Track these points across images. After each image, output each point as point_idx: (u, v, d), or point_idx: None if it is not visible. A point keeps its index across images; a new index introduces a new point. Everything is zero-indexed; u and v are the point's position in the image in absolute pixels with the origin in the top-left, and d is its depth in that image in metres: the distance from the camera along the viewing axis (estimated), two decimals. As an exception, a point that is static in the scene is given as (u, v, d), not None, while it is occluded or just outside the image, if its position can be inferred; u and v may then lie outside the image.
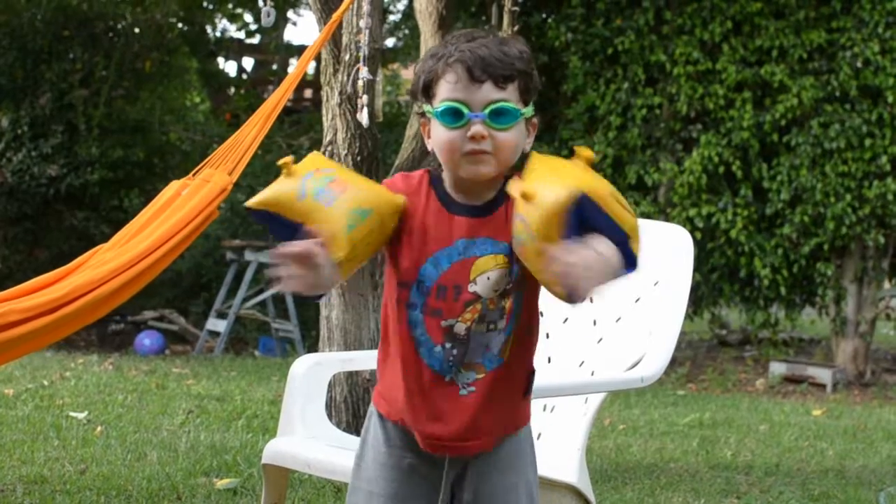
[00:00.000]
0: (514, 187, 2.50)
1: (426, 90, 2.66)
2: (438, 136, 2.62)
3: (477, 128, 2.56)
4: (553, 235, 2.42)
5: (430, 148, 2.68)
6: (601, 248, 2.39)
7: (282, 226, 2.59)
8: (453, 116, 2.58)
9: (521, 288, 2.64)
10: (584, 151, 2.52)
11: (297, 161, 2.64)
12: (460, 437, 2.64)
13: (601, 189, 2.46)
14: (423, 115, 2.69)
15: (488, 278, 2.59)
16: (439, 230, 2.62)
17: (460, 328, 2.60)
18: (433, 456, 2.69)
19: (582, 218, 2.43)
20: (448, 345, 2.61)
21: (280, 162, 2.61)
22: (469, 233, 2.61)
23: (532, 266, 2.50)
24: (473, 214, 2.63)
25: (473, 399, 2.63)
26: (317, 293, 2.54)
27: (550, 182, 2.47)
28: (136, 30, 14.92)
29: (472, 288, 2.59)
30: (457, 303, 2.60)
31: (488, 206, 2.64)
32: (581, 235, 2.42)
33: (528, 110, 2.64)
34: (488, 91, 2.58)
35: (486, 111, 2.57)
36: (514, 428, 2.73)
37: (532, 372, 2.77)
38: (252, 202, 2.62)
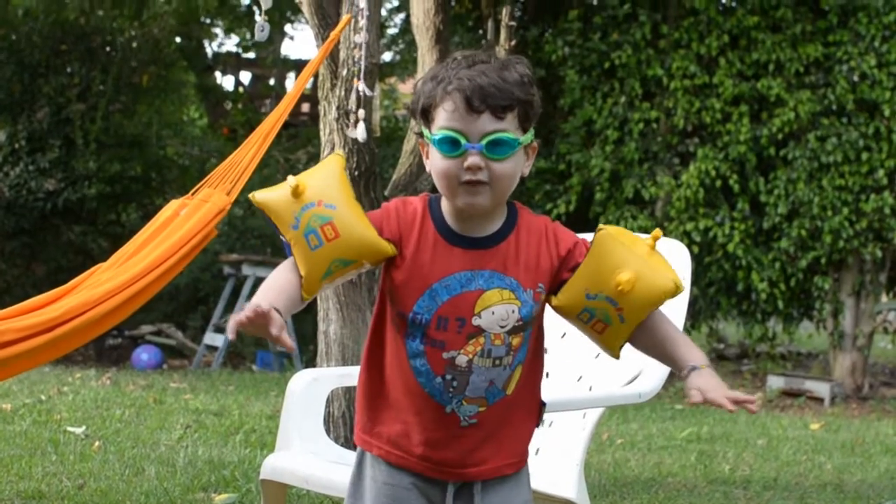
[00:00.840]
0: (620, 276, 2.60)
1: (425, 113, 2.63)
2: (436, 164, 2.60)
3: (474, 159, 2.54)
4: (640, 320, 2.67)
5: (428, 169, 2.66)
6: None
7: (276, 228, 2.63)
8: (450, 146, 2.56)
9: (531, 326, 2.64)
10: (656, 234, 2.67)
11: (292, 170, 2.65)
12: (459, 464, 2.64)
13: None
14: (421, 135, 2.67)
15: (493, 313, 2.58)
16: (437, 262, 2.60)
17: (462, 360, 2.58)
18: (430, 487, 2.68)
19: None
20: (448, 376, 2.59)
21: (291, 183, 2.59)
22: (472, 265, 2.60)
23: (607, 339, 2.69)
24: (476, 246, 2.61)
25: (474, 431, 2.63)
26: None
27: (651, 272, 2.63)
28: (134, 44, 14.93)
29: (475, 321, 2.57)
30: (460, 335, 2.57)
31: (493, 237, 2.63)
32: None
33: (527, 137, 2.62)
34: (486, 122, 2.55)
35: (484, 142, 2.54)
36: (519, 462, 2.72)
37: (542, 403, 2.77)
38: (256, 199, 2.63)
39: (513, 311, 2.59)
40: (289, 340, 2.42)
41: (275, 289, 2.55)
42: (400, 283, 2.61)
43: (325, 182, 2.63)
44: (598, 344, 2.73)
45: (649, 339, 2.71)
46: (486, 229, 2.63)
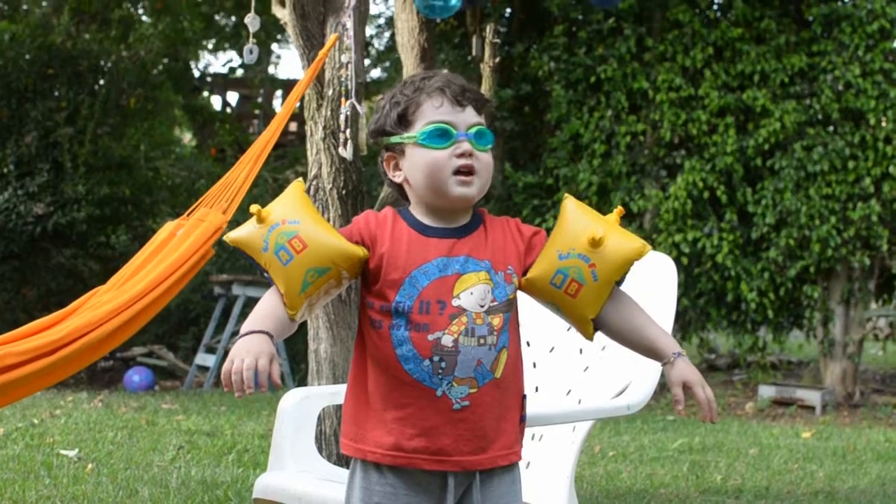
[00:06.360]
0: (593, 230, 2.76)
1: (401, 119, 2.78)
2: (422, 160, 2.74)
3: (466, 145, 2.72)
4: (612, 281, 2.78)
5: (398, 179, 2.81)
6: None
7: (255, 262, 2.77)
8: (442, 136, 2.73)
9: (508, 309, 2.74)
10: (619, 210, 2.86)
11: (281, 189, 2.75)
12: (458, 451, 2.68)
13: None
14: (387, 148, 2.81)
15: (471, 293, 2.69)
16: (414, 252, 2.72)
17: (447, 340, 2.66)
18: (430, 486, 2.71)
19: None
20: (436, 358, 2.66)
21: (252, 209, 2.73)
22: (447, 252, 2.72)
23: (581, 303, 2.77)
24: (449, 235, 2.75)
25: (468, 415, 2.68)
26: None
27: (619, 233, 2.80)
28: (121, 66, 14.95)
29: (455, 302, 2.68)
30: (441, 316, 2.67)
31: (463, 228, 2.78)
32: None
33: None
34: (470, 115, 2.76)
35: (472, 132, 2.74)
36: (512, 454, 2.77)
37: (524, 396, 2.83)
38: (228, 238, 2.79)
39: (488, 292, 2.71)
40: (277, 373, 2.56)
41: (261, 315, 2.68)
42: (380, 278, 2.72)
43: (286, 203, 2.79)
44: (571, 316, 2.82)
45: (621, 319, 2.82)
46: (458, 221, 2.79)
